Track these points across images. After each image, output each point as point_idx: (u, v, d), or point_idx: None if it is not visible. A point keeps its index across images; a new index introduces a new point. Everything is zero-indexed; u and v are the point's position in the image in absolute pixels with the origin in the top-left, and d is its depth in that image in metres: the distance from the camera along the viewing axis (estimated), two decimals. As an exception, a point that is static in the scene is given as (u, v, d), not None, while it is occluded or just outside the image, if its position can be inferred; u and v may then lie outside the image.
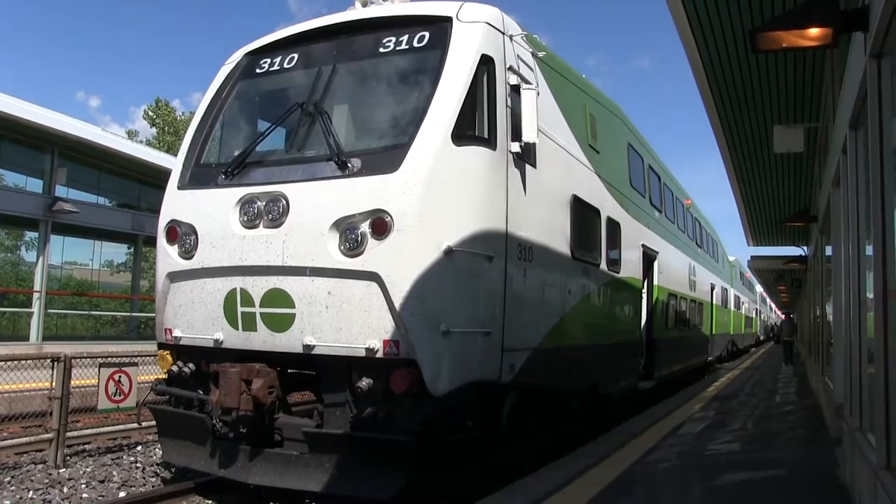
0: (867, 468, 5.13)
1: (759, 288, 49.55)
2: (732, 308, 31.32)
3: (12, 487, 8.02)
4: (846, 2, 6.21)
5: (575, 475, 7.01)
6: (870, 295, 5.74)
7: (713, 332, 23.28)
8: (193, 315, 7.09)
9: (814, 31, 5.48)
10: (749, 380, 21.18)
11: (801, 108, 11.18)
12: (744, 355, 38.42)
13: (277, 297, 6.49)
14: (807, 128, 11.04)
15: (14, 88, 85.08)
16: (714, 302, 23.63)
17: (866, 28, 4.90)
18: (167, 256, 7.35)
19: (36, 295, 21.71)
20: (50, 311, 23.32)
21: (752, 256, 29.05)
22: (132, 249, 29.75)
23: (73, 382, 9.33)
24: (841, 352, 7.89)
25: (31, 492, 7.88)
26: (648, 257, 13.21)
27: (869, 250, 5.66)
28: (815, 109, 11.14)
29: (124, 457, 9.69)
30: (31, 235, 28.64)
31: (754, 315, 48.68)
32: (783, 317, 37.02)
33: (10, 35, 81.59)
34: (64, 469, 8.78)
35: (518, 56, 7.38)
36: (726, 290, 28.48)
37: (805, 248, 22.16)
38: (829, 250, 10.68)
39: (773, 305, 67.77)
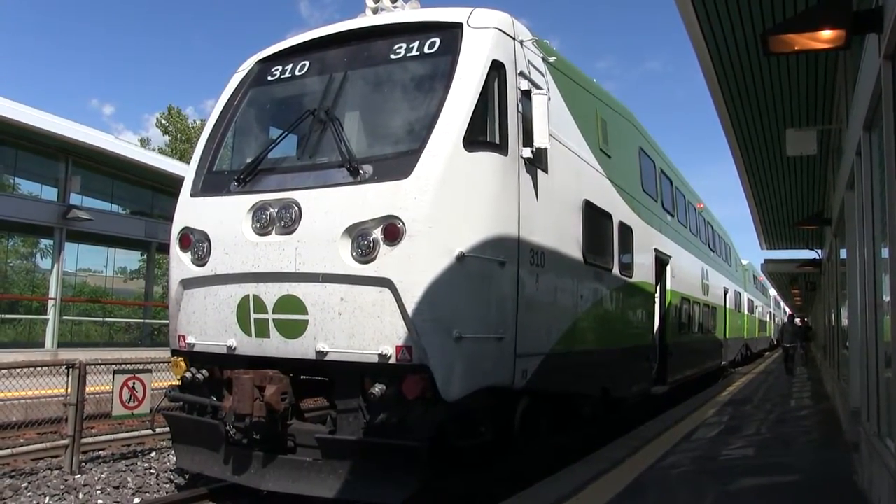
0: (887, 474, 5.08)
1: (772, 291, 49.24)
2: (746, 312, 31.12)
3: (29, 493, 8.07)
4: (859, 3, 6.18)
5: (588, 481, 6.98)
6: (886, 298, 5.71)
7: (727, 336, 23.15)
8: (206, 322, 7.12)
9: (826, 34, 5.45)
10: (763, 384, 21.03)
11: (813, 111, 11.13)
12: (758, 359, 38.17)
13: (290, 304, 6.50)
14: (820, 130, 10.98)
15: (28, 97, 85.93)
16: (727, 306, 23.51)
17: (880, 29, 4.88)
18: (180, 263, 7.38)
19: (51, 302, 21.90)
20: (65, 317, 23.51)
21: (765, 260, 28.96)
22: (145, 256, 30.03)
23: (87, 389, 9.39)
24: (857, 355, 7.83)
25: (47, 497, 7.94)
26: (661, 261, 13.16)
27: (884, 252, 5.63)
28: (828, 112, 11.09)
29: (138, 463, 9.74)
30: (45, 243, 28.95)
31: (768, 319, 48.37)
32: (787, 316, 31.09)
33: (25, 44, 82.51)
34: (79, 475, 8.83)
35: (529, 61, 7.38)
36: (739, 293, 28.32)
37: (819, 251, 22.02)
38: (843, 253, 10.62)
39: (787, 309, 67.33)
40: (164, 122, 54.23)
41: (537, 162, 7.27)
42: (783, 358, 25.69)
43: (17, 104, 19.31)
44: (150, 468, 9.46)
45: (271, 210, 6.76)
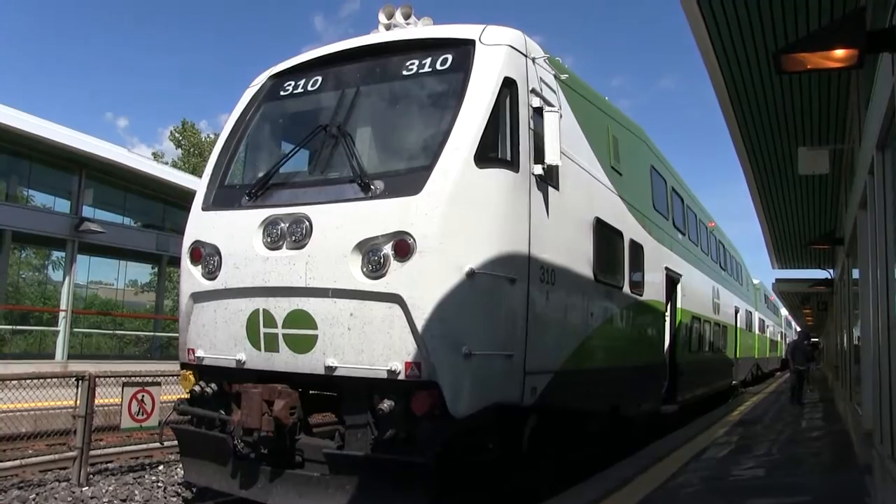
0: (899, 497, 5.02)
1: (783, 311, 48.92)
2: (757, 331, 30.90)
3: (36, 505, 8.08)
4: (872, 22, 6.18)
5: (596, 499, 6.92)
6: (899, 319, 5.65)
7: (737, 356, 22.97)
8: (216, 335, 7.12)
9: (839, 53, 5.43)
10: (774, 404, 20.83)
11: (826, 130, 11.11)
12: (769, 379, 37.85)
13: (300, 319, 6.50)
14: (832, 149, 10.95)
15: (44, 110, 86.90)
16: (738, 325, 23.34)
17: (894, 49, 4.87)
18: (191, 277, 7.39)
19: (62, 314, 22.00)
20: (75, 329, 23.59)
21: (776, 279, 28.79)
22: (156, 269, 30.14)
23: (96, 401, 9.41)
24: (869, 376, 7.75)
25: (54, 510, 7.94)
26: (671, 280, 13.10)
27: (898, 273, 5.58)
28: (841, 130, 11.06)
29: (146, 476, 9.73)
30: (57, 255, 29.17)
31: (779, 339, 48.03)
32: (798, 333, 26.72)
33: (42, 59, 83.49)
34: (87, 487, 8.83)
35: (541, 78, 7.40)
36: (750, 313, 28.13)
37: (831, 270, 21.89)
38: (856, 273, 10.54)
39: (799, 329, 66.85)
40: (177, 135, 54.69)
41: (548, 179, 7.26)
42: (792, 383, 21.11)
43: (31, 116, 19.51)
44: (158, 481, 9.45)
45: (282, 224, 6.77)
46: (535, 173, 6.97)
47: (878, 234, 6.40)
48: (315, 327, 6.41)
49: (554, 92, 7.69)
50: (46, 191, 23.98)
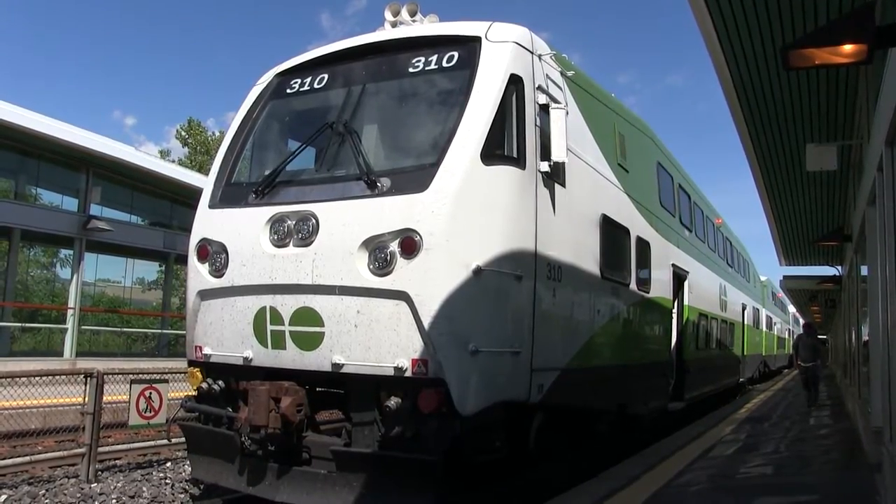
0: (908, 495, 4.99)
1: (791, 308, 48.78)
2: (764, 328, 30.83)
3: (46, 501, 8.13)
4: (882, 17, 6.14)
5: (602, 497, 6.91)
6: (908, 316, 5.62)
7: (744, 353, 22.92)
8: (223, 333, 7.13)
9: (848, 48, 5.39)
10: (782, 401, 20.77)
11: (833, 126, 11.05)
12: (776, 376, 37.74)
13: (307, 316, 6.50)
14: (840, 146, 10.89)
15: (52, 109, 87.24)
16: (745, 322, 23.29)
17: (903, 45, 4.84)
18: (198, 275, 7.40)
19: (70, 311, 22.11)
20: (83, 327, 23.71)
21: (784, 276, 28.71)
22: (163, 267, 30.25)
23: (104, 398, 9.45)
24: (878, 373, 7.71)
25: (62, 507, 7.98)
26: (678, 277, 13.06)
27: (907, 270, 5.55)
28: (849, 127, 11.00)
29: (154, 473, 9.77)
30: (65, 253, 29.33)
31: (787, 336, 47.87)
32: (803, 327, 24.67)
33: (50, 58, 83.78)
34: (95, 483, 8.87)
35: (547, 75, 7.38)
36: (758, 310, 28.06)
37: (839, 267, 21.80)
38: (864, 270, 10.49)
39: (804, 323, 66.57)
40: (183, 133, 54.80)
41: (555, 176, 7.25)
42: (802, 383, 19.28)
43: (39, 115, 19.60)
44: (166, 478, 9.48)
45: (289, 222, 6.77)
46: (542, 170, 6.96)
47: (888, 230, 6.36)
48: (322, 324, 6.41)
49: (560, 89, 7.68)
50: (54, 189, 24.09)
